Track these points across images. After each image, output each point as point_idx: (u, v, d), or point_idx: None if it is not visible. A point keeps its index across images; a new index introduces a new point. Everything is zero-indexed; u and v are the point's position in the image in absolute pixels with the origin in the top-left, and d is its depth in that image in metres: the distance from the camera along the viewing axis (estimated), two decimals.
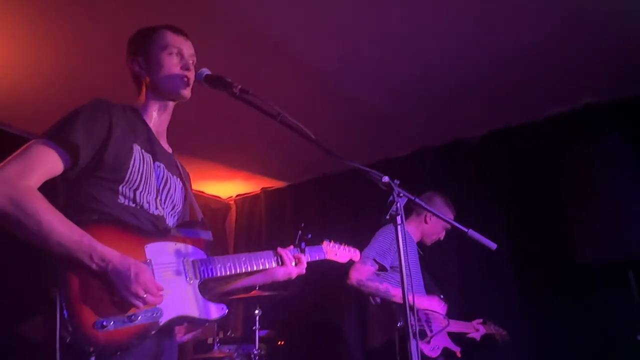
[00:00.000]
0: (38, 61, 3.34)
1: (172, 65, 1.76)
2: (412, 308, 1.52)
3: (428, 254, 3.61)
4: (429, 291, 3.39)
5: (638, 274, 3.27)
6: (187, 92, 1.78)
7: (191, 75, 1.79)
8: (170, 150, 1.88)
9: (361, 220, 4.81)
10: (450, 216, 3.47)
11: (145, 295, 1.43)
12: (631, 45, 3.35)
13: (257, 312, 3.78)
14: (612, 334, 3.48)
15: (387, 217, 1.63)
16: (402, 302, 1.55)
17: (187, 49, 1.82)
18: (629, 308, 3.23)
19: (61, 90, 3.59)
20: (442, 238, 3.58)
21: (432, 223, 3.49)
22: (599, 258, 3.25)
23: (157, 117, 1.81)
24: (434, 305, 3.21)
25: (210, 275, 1.69)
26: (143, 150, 1.67)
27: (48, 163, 1.47)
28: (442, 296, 3.37)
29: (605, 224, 3.23)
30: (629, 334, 3.17)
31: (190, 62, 1.81)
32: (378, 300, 3.15)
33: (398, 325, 2.85)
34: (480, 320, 3.55)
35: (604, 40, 3.29)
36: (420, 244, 3.55)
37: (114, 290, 1.41)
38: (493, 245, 1.73)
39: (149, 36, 1.80)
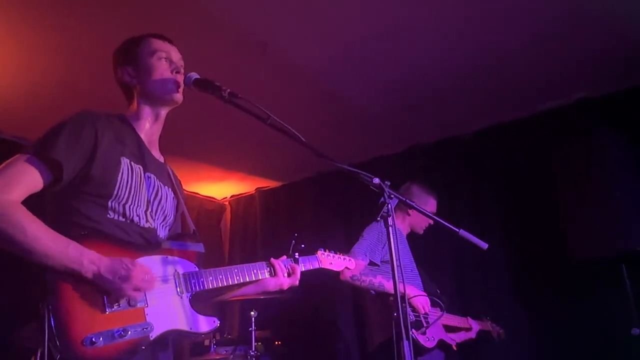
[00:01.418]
0: (27, 66, 3.31)
1: (162, 69, 1.76)
2: (403, 299, 1.53)
3: (422, 252, 3.61)
4: (426, 287, 3.39)
5: (632, 269, 3.29)
6: (179, 96, 1.78)
7: (181, 79, 1.78)
8: (162, 160, 1.86)
9: (355, 219, 4.81)
10: (432, 201, 3.48)
11: (142, 285, 1.46)
12: (623, 40, 3.35)
13: (253, 313, 3.79)
14: (608, 329, 3.50)
15: (379, 218, 1.63)
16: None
17: (175, 53, 1.82)
18: (624, 303, 3.25)
19: (51, 95, 3.58)
20: (432, 223, 3.53)
21: (416, 213, 3.46)
22: (594, 253, 3.27)
23: (148, 127, 1.80)
24: (420, 299, 3.20)
25: (201, 288, 1.68)
26: (132, 162, 1.65)
27: (30, 179, 1.46)
28: (438, 291, 3.37)
29: (599, 219, 3.24)
30: (623, 328, 3.19)
31: (180, 65, 1.81)
32: (373, 292, 3.16)
33: (395, 315, 2.85)
34: (469, 317, 3.56)
35: (596, 35, 3.29)
36: (413, 235, 3.54)
37: (109, 291, 1.42)
38: (484, 245, 1.74)
39: (136, 45, 1.80)
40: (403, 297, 1.54)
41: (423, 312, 3.16)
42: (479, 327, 3.55)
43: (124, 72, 1.78)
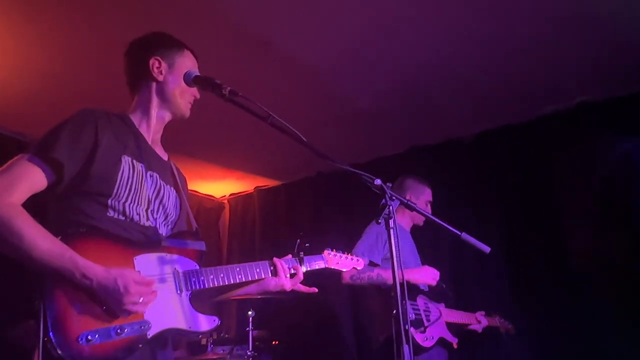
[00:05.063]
0: (28, 62, 3.29)
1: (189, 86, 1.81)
2: (404, 298, 1.51)
3: (422, 250, 3.58)
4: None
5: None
6: (189, 113, 1.85)
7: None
8: (165, 157, 1.85)
9: (356, 218, 4.74)
10: (427, 190, 3.45)
11: (141, 300, 1.43)
12: (626, 44, 3.33)
13: (250, 313, 3.76)
14: (607, 332, 3.49)
15: (380, 220, 1.61)
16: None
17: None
18: (624, 308, 3.24)
19: (52, 92, 3.56)
20: (430, 212, 3.46)
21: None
22: (594, 257, 3.26)
23: (152, 125, 1.79)
24: (425, 274, 3.15)
25: (201, 286, 1.66)
26: (134, 161, 1.64)
27: (31, 179, 1.46)
28: (444, 286, 3.32)
29: (599, 221, 3.24)
30: (622, 333, 3.18)
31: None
32: (375, 289, 3.12)
33: (394, 313, 2.81)
34: (483, 312, 3.50)
35: (599, 40, 3.28)
36: (416, 228, 3.50)
37: (107, 305, 1.40)
38: (486, 249, 1.72)
39: (179, 49, 1.83)
40: (403, 296, 1.51)
41: (435, 284, 3.12)
42: (487, 323, 3.47)
43: (155, 62, 1.77)
